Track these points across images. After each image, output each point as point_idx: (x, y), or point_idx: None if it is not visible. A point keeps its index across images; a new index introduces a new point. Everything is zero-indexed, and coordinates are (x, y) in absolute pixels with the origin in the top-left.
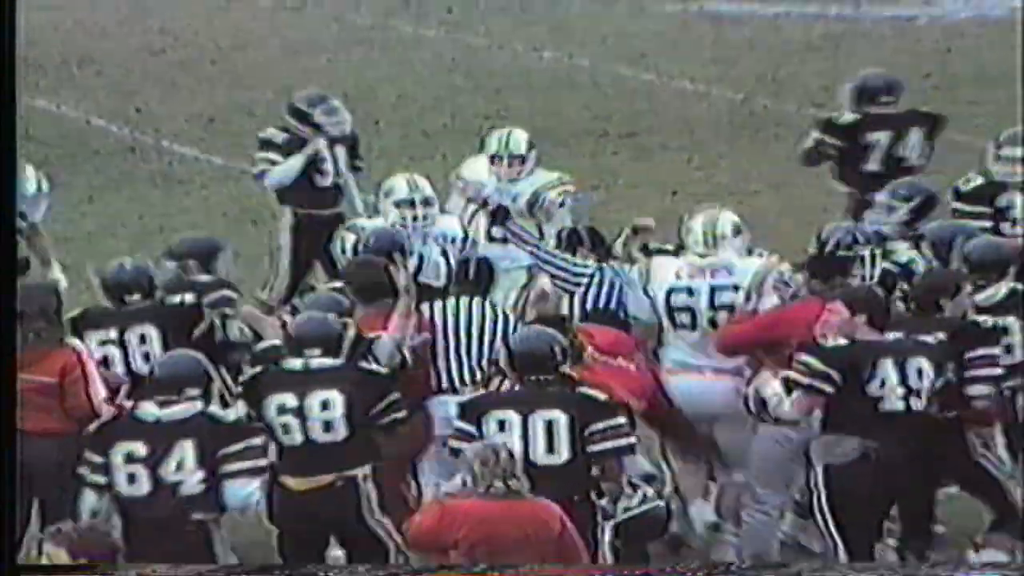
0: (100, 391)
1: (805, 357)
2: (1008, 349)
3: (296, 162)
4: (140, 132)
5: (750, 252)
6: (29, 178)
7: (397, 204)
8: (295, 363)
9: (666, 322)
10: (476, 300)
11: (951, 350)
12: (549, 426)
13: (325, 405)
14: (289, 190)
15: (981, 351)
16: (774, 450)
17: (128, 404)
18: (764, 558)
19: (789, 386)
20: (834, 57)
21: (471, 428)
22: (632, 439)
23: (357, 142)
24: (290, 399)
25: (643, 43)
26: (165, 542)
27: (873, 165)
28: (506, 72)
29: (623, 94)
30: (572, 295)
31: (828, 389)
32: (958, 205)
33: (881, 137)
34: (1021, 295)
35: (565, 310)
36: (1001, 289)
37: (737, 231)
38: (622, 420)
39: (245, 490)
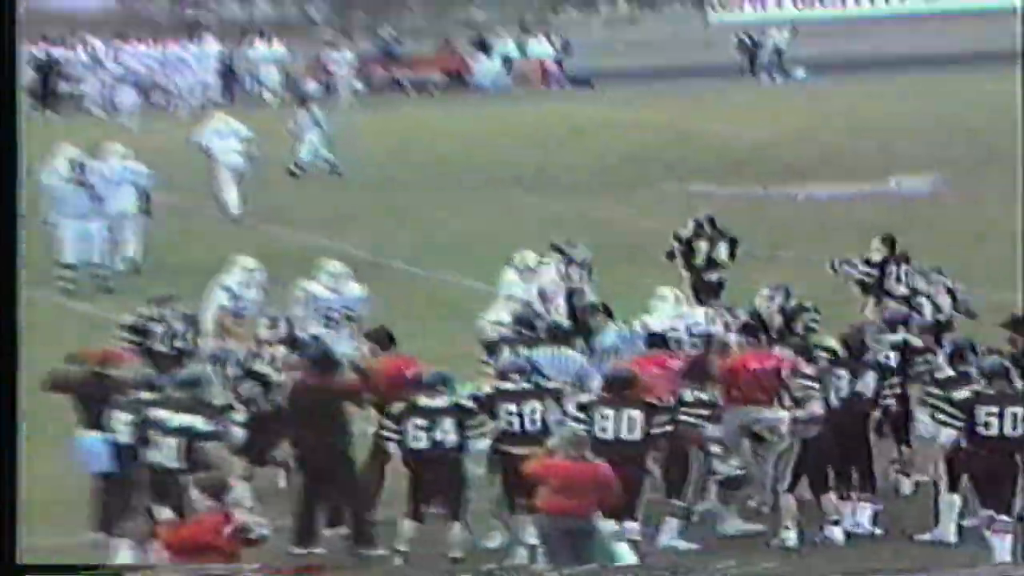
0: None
1: (798, 380)
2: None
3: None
4: (355, 248)
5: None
6: (356, 287)
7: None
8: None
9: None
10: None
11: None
12: (629, 417)
13: (533, 410)
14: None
15: (895, 379)
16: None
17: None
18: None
19: (798, 397)
20: (749, 217)
21: (583, 416)
22: (669, 428)
23: (590, 268)
24: (513, 407)
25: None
26: (436, 472)
27: (700, 262)
28: (543, 225)
29: (612, 234)
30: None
31: (817, 392)
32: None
33: (703, 245)
34: (904, 343)
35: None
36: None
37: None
38: (666, 418)
39: (480, 444)
